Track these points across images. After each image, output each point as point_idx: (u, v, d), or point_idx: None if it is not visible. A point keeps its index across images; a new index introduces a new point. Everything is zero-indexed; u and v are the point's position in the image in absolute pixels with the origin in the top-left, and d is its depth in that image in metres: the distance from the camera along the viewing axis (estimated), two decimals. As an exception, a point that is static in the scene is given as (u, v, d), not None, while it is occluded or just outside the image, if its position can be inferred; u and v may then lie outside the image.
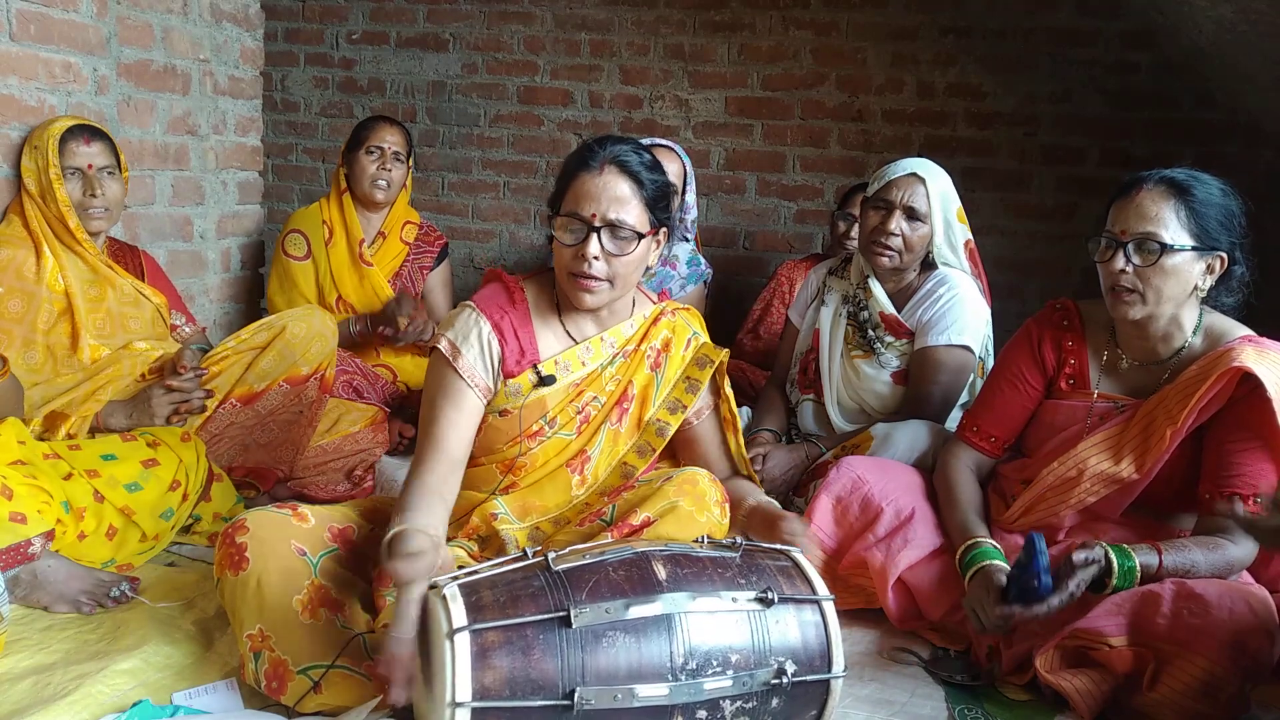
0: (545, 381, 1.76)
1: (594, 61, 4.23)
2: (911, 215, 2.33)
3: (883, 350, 2.41)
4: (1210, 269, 1.80)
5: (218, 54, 3.14)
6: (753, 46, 4.05)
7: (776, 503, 1.83)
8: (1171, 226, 1.76)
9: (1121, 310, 1.82)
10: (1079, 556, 1.65)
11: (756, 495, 1.86)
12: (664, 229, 1.78)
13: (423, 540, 1.47)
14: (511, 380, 1.76)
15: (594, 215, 1.68)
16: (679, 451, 1.96)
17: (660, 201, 1.74)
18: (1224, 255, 1.79)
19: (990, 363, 2.47)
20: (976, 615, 1.76)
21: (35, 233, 2.37)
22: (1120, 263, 1.78)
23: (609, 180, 1.69)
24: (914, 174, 2.35)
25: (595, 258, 1.67)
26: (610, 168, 1.69)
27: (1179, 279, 1.78)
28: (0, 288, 2.29)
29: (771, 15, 4.01)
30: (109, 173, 2.41)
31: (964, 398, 2.44)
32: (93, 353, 2.37)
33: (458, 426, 1.72)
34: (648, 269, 1.82)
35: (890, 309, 2.41)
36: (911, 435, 2.22)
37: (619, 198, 1.68)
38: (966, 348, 2.35)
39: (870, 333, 2.43)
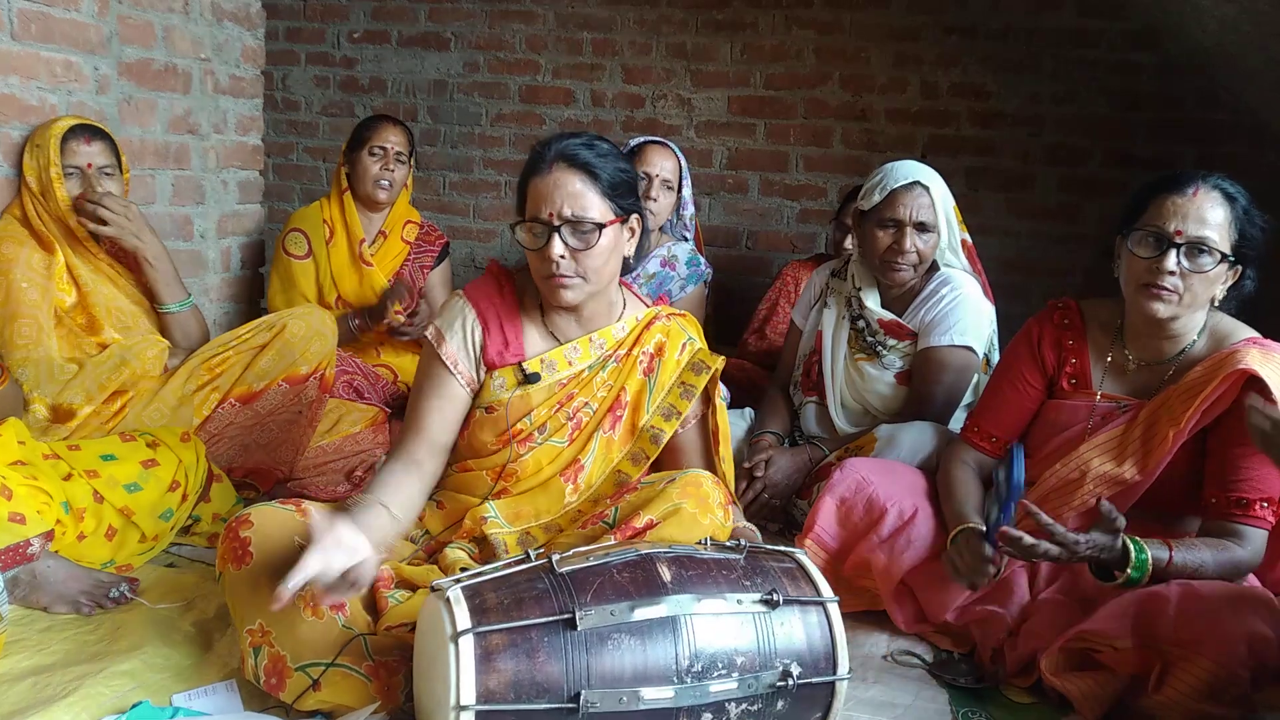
0: (529, 379, 1.76)
1: (596, 60, 4.22)
2: (923, 229, 2.32)
3: (885, 353, 2.40)
4: (1228, 278, 1.81)
5: (219, 53, 3.14)
6: (755, 46, 4.05)
7: (755, 529, 1.81)
8: (1223, 234, 1.76)
9: (1153, 308, 1.79)
10: (1106, 506, 1.64)
11: (736, 519, 1.84)
12: (634, 215, 1.76)
13: (382, 515, 1.53)
14: (496, 374, 1.77)
15: (551, 215, 1.67)
16: (662, 460, 1.92)
17: (619, 188, 1.72)
18: (1241, 267, 1.80)
19: (995, 359, 2.47)
20: (953, 562, 1.78)
21: (39, 231, 2.38)
22: (1170, 262, 1.75)
23: (559, 177, 1.68)
24: (917, 183, 2.31)
25: (561, 257, 1.67)
26: (559, 165, 1.68)
27: (1211, 286, 1.78)
28: (23, 281, 2.31)
29: (774, 14, 4.00)
30: (108, 173, 2.42)
31: (969, 398, 2.43)
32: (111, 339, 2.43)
33: (439, 411, 1.75)
34: (627, 259, 1.80)
35: (886, 314, 2.40)
36: (915, 437, 2.21)
37: (573, 193, 1.67)
38: (969, 348, 2.34)
39: (870, 338, 2.42)
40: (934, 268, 2.41)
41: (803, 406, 2.54)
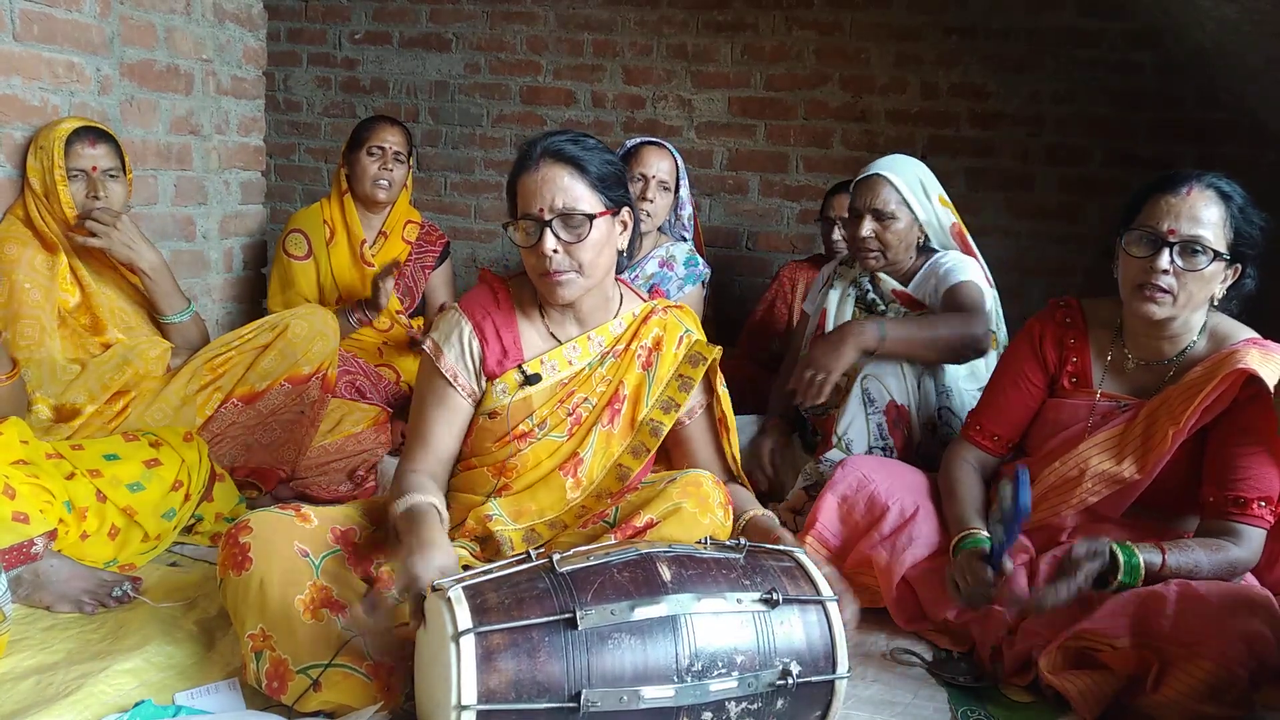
0: (530, 380, 1.77)
1: (597, 61, 4.22)
2: (879, 216, 2.43)
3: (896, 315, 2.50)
4: (1226, 277, 1.81)
5: (220, 54, 3.14)
6: (756, 46, 4.05)
7: (774, 515, 1.82)
8: (1217, 233, 1.76)
9: (1149, 309, 1.80)
10: (1080, 550, 1.65)
11: (753, 506, 1.85)
12: (625, 208, 1.77)
13: (436, 522, 1.57)
14: (498, 380, 1.77)
15: (541, 210, 1.68)
16: (671, 453, 1.95)
17: (608, 180, 1.72)
18: (1240, 266, 1.81)
19: (1004, 334, 2.54)
20: (956, 583, 1.77)
21: (42, 232, 2.39)
22: (1164, 261, 1.76)
23: (547, 172, 1.68)
24: (876, 175, 2.44)
25: (554, 251, 1.67)
26: (546, 160, 1.69)
27: (1207, 285, 1.79)
28: (26, 282, 2.31)
29: (775, 15, 4.00)
30: (112, 175, 2.42)
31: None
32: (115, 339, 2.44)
33: (444, 423, 1.77)
34: (621, 253, 1.80)
35: (898, 285, 2.51)
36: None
37: (562, 186, 1.68)
38: (970, 281, 2.39)
39: (885, 307, 2.51)
40: (929, 251, 2.51)
41: None
